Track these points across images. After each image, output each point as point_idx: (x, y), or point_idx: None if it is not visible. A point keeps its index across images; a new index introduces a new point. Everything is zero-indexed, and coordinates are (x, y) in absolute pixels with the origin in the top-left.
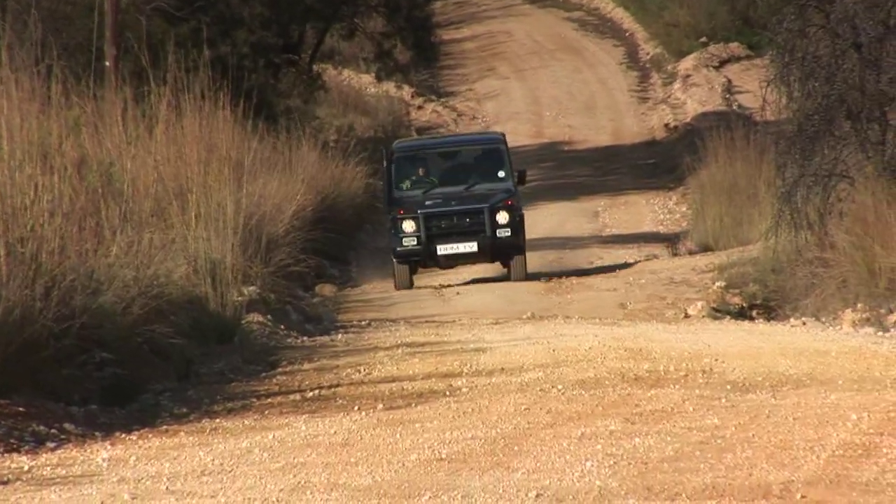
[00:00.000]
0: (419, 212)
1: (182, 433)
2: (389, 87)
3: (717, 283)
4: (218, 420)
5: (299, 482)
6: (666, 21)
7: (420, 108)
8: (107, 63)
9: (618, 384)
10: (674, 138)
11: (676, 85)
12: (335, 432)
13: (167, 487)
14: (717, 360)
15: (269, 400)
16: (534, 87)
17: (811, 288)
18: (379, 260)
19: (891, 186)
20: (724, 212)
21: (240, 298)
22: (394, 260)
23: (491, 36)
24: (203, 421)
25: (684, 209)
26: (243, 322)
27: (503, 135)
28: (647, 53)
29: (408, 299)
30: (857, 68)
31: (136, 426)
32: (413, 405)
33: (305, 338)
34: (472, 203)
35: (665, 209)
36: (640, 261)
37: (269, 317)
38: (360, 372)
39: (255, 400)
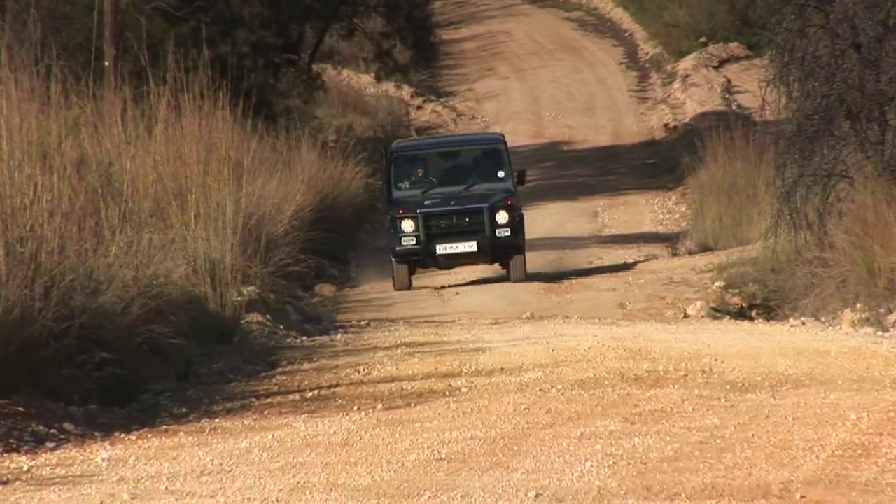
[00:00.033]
0: (418, 211)
1: (181, 433)
2: (389, 86)
3: (717, 283)
4: (217, 420)
5: (299, 482)
6: (665, 21)
7: (419, 108)
8: (106, 63)
9: (617, 384)
10: (673, 138)
11: (676, 85)
12: (334, 432)
13: (167, 487)
14: (716, 360)
15: (269, 400)
16: (533, 87)
17: (810, 288)
18: (378, 260)
19: (890, 186)
20: (724, 212)
21: (239, 298)
22: (392, 260)
23: (490, 36)
24: (202, 421)
25: (684, 209)
26: (243, 322)
27: (503, 135)
28: (647, 53)
29: (407, 299)
30: (857, 68)
31: (135, 426)
32: (412, 405)
33: (305, 338)
34: (471, 203)
35: (664, 209)
36: (641, 261)
37: (268, 317)
38: (359, 372)
39: (254, 400)
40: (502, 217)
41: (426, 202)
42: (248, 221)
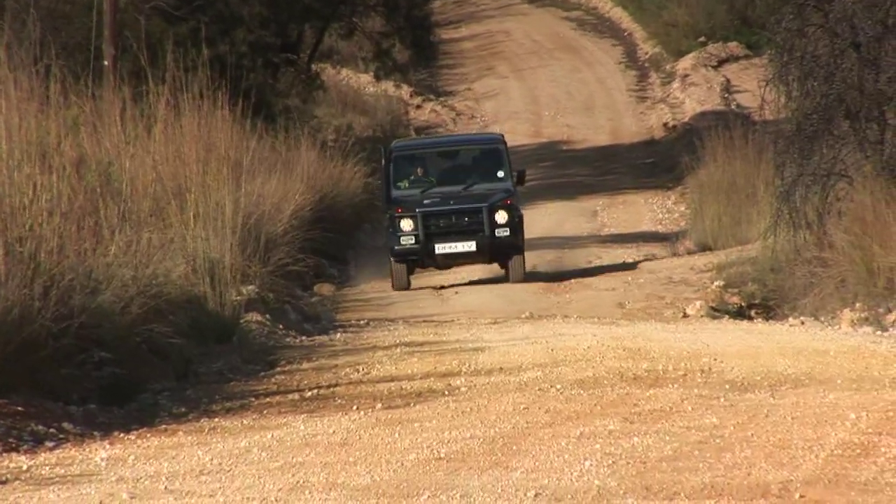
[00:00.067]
0: (417, 210)
1: (181, 433)
2: (388, 86)
3: (716, 283)
4: (216, 419)
5: (298, 481)
6: (664, 20)
7: (419, 107)
8: (105, 62)
9: (616, 384)
10: (672, 138)
11: (675, 84)
12: (334, 432)
13: (166, 487)
14: (715, 359)
15: (268, 399)
16: (532, 87)
17: (810, 287)
18: (377, 259)
19: (889, 186)
20: (723, 211)
21: (238, 298)
22: (391, 259)
23: (489, 35)
24: (202, 420)
25: (683, 208)
26: (242, 321)
27: (502, 135)
28: (646, 53)
29: (406, 299)
30: (856, 68)
31: (134, 426)
32: (412, 405)
33: (304, 337)
34: (470, 202)
35: (664, 208)
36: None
37: (267, 316)
38: (358, 371)
39: (253, 399)
40: (501, 217)
41: (425, 202)
42: (248, 221)
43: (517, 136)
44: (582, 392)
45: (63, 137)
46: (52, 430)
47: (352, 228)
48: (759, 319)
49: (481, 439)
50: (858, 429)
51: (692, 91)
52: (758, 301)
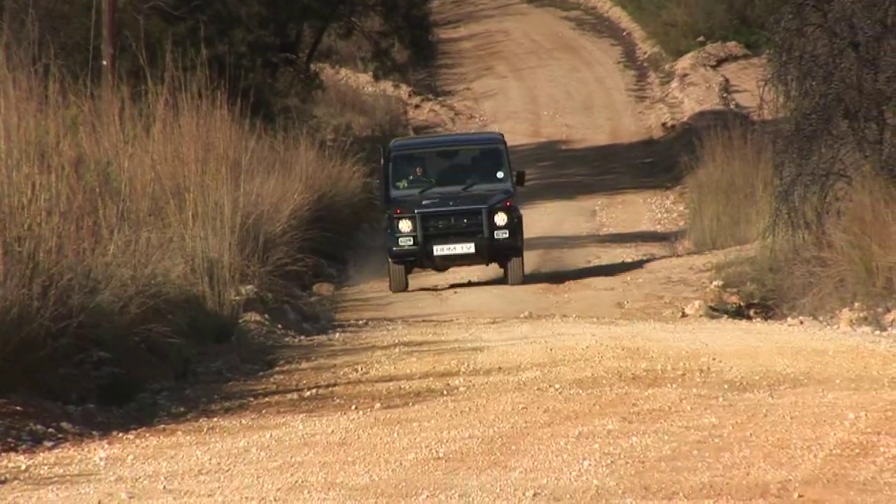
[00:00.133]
0: (416, 211)
1: (179, 432)
2: (387, 86)
3: (715, 283)
4: (215, 419)
5: (297, 481)
6: (663, 20)
7: (417, 107)
8: (104, 62)
9: (615, 383)
10: (671, 137)
11: (674, 84)
12: (332, 431)
13: (164, 486)
14: (714, 359)
15: (267, 399)
16: (531, 87)
17: (808, 287)
18: (376, 259)
19: (888, 185)
20: (722, 211)
21: (237, 297)
22: (389, 260)
23: (488, 35)
24: (200, 420)
25: (682, 208)
26: (241, 321)
27: (502, 135)
28: (645, 52)
29: (405, 298)
30: (855, 67)
31: (133, 425)
32: (410, 404)
33: (303, 337)
34: (470, 203)
35: (662, 208)
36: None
37: (266, 316)
38: (357, 371)
39: (252, 399)
40: (501, 219)
41: (424, 202)
42: (246, 220)
43: (516, 135)
44: (581, 392)
45: (62, 137)
46: (50, 429)
47: (350, 228)
48: (758, 319)
49: (480, 439)
50: (857, 428)
51: (691, 91)
52: (756, 301)
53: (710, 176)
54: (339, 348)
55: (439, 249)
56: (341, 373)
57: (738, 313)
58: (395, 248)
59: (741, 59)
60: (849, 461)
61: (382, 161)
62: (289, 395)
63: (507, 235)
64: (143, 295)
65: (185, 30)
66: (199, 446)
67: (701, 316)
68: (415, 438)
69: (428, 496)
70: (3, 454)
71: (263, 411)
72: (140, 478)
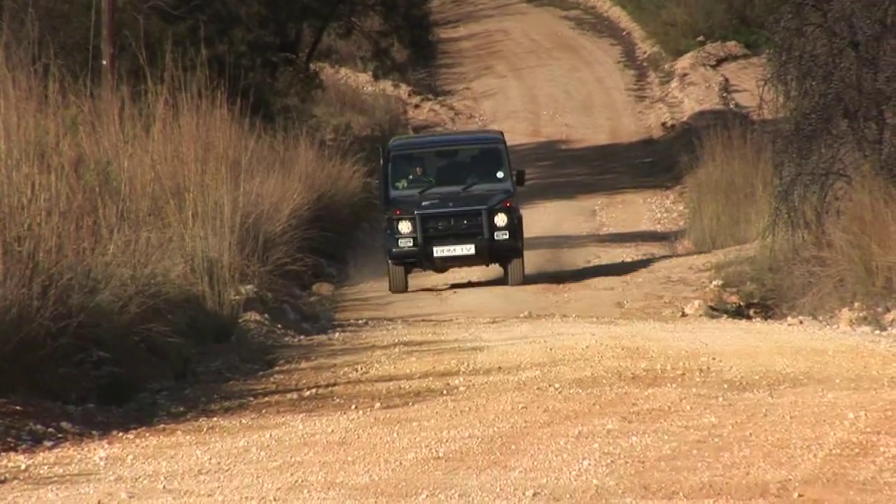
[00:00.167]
0: (416, 212)
1: (179, 432)
2: (387, 85)
3: (715, 282)
4: (215, 419)
5: (296, 481)
6: (663, 20)
7: (417, 106)
8: (104, 62)
9: (615, 383)
10: (671, 137)
11: (674, 84)
12: (332, 431)
13: (164, 486)
14: (714, 358)
15: (267, 399)
16: (531, 86)
17: (808, 287)
18: (376, 259)
19: (888, 185)
20: (722, 210)
21: (237, 297)
22: (389, 261)
23: (488, 35)
24: (200, 420)
25: (681, 208)
26: (240, 321)
27: (502, 134)
28: (645, 52)
29: (405, 298)
30: (854, 67)
31: (133, 425)
32: (410, 404)
33: (302, 336)
34: (470, 204)
35: (662, 208)
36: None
37: (266, 315)
38: (357, 371)
39: (252, 399)
40: (501, 220)
41: (424, 203)
42: (246, 220)
43: (516, 135)
44: (580, 391)
45: (61, 137)
46: (50, 429)
47: (350, 228)
48: (758, 319)
49: (480, 438)
50: (857, 428)
51: (691, 90)
52: (756, 300)
53: (709, 175)
54: (338, 348)
55: (439, 251)
56: (341, 372)
57: (738, 313)
58: (394, 250)
59: (741, 59)
60: (848, 461)
61: (382, 161)
62: (288, 395)
63: (507, 236)
64: (142, 295)
65: (184, 29)
66: (198, 446)
67: (701, 315)
68: (415, 438)
69: (428, 496)
70: (2, 454)
71: (263, 411)
72: (140, 477)
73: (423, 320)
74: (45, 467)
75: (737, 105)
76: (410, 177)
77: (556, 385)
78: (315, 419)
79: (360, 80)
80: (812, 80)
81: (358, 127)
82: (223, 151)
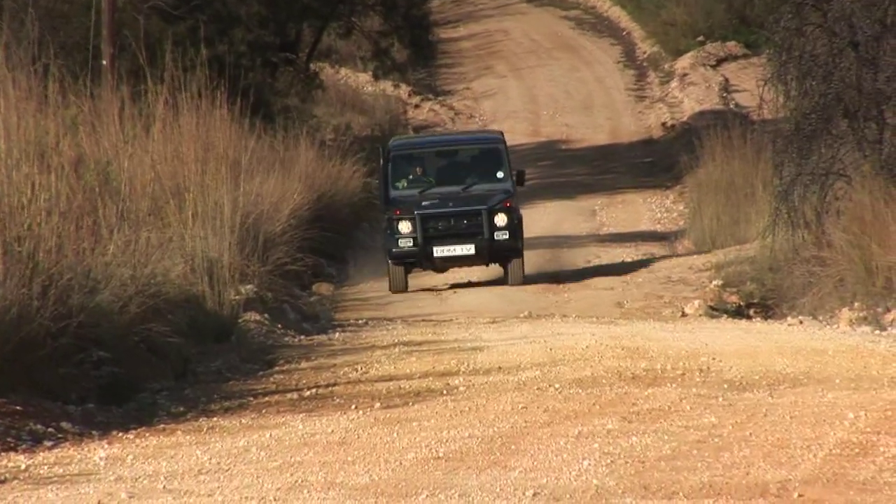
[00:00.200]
0: (416, 213)
1: (179, 432)
2: (387, 85)
3: (715, 282)
4: (215, 419)
5: (296, 481)
6: (663, 20)
7: (417, 106)
8: (104, 62)
9: (615, 383)
10: (671, 137)
11: (673, 83)
12: (332, 431)
13: (164, 486)
14: (714, 358)
15: (267, 399)
16: (531, 86)
17: (808, 286)
18: (376, 259)
19: (888, 185)
20: (722, 210)
21: (237, 297)
22: (389, 261)
23: (488, 35)
24: (200, 420)
25: (681, 208)
26: (240, 321)
27: (502, 133)
28: (644, 52)
29: (405, 298)
30: (854, 67)
31: (133, 425)
32: (410, 404)
33: (303, 336)
34: (470, 204)
35: (662, 208)
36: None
37: (266, 315)
38: (357, 371)
39: (252, 399)
40: (501, 220)
41: (424, 203)
42: (246, 220)
43: (516, 135)
44: (580, 391)
45: (61, 137)
46: (50, 429)
47: (350, 228)
48: (758, 319)
49: (480, 438)
50: (857, 428)
51: (691, 90)
52: (756, 300)
53: (709, 175)
54: (338, 348)
55: (439, 251)
56: (341, 372)
57: (738, 313)
58: (394, 250)
59: (741, 59)
60: (848, 461)
61: (382, 161)
62: (288, 395)
63: (507, 236)
64: (142, 295)
65: (184, 29)
66: (198, 446)
67: (701, 315)
68: (414, 438)
69: (428, 496)
70: (2, 454)
71: (263, 411)
72: (140, 477)
73: (423, 320)
74: (45, 467)
75: (737, 105)
76: (410, 177)
77: (556, 385)
78: (315, 419)
79: (361, 80)
80: (812, 80)
81: (358, 127)
82: (223, 151)
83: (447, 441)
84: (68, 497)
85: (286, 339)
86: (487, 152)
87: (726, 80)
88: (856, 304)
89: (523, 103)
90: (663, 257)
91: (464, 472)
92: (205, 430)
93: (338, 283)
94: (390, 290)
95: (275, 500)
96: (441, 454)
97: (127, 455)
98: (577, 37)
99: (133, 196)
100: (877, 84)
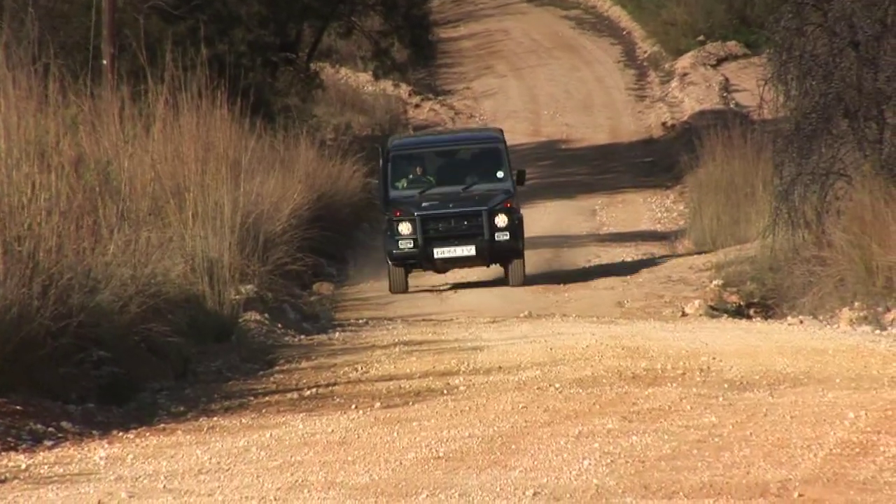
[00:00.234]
0: (416, 214)
1: (179, 432)
2: (387, 85)
3: (715, 282)
4: (215, 418)
5: (297, 480)
6: (663, 19)
7: (417, 106)
8: (104, 61)
9: (615, 382)
10: (671, 137)
11: (674, 83)
12: (332, 431)
13: (164, 486)
14: (714, 358)
15: (267, 398)
16: (531, 86)
17: (808, 286)
18: (376, 258)
19: (888, 185)
20: (722, 210)
21: (237, 297)
22: (389, 263)
23: (488, 34)
24: (200, 419)
25: (682, 208)
26: (241, 320)
27: (501, 131)
28: (645, 52)
29: (405, 298)
30: (855, 67)
31: (133, 425)
32: (410, 404)
33: (303, 336)
34: (470, 205)
35: (662, 208)
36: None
37: (266, 315)
38: (357, 370)
39: (252, 398)
40: (501, 221)
41: (424, 204)
42: (246, 220)
43: (516, 134)
44: (580, 391)
45: (62, 136)
46: (50, 428)
47: (350, 227)
48: (758, 318)
49: (480, 438)
50: (857, 428)
51: (691, 90)
52: (756, 300)
53: (710, 175)
54: (338, 347)
55: (440, 252)
56: (341, 372)
57: (738, 312)
58: (395, 251)
59: (741, 59)
60: (849, 460)
61: (381, 161)
62: (289, 395)
63: (507, 237)
64: (142, 294)
65: (184, 29)
66: (199, 445)
67: (701, 315)
68: (415, 438)
69: (428, 495)
70: (3, 453)
71: (263, 410)
72: (140, 477)
73: (424, 320)
74: (46, 467)
75: (737, 105)
76: (410, 176)
77: (557, 385)
78: (315, 419)
79: (361, 79)
80: (812, 79)
81: (358, 127)
82: (223, 151)
83: (447, 441)
84: (68, 497)
85: (286, 338)
86: (487, 152)
87: (726, 79)
88: (856, 304)
89: (523, 103)
90: (663, 257)
91: (464, 472)
92: (205, 429)
93: (338, 282)
94: (390, 290)
95: (275, 499)
96: (441, 454)
97: (127, 455)
98: (578, 36)
99: (133, 196)
100: (877, 84)
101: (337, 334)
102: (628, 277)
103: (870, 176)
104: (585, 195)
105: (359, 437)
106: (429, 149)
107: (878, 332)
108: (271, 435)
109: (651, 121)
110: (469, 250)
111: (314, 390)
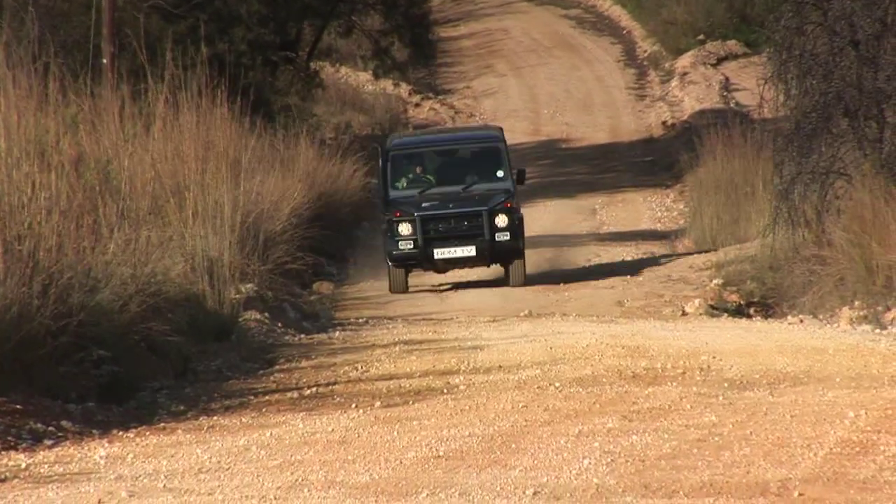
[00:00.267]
0: (416, 214)
1: (179, 431)
2: (387, 84)
3: (715, 281)
4: (215, 418)
5: (297, 480)
6: (663, 18)
7: (417, 105)
8: (104, 60)
9: (615, 382)
10: (671, 136)
11: (674, 82)
12: (333, 430)
13: (164, 485)
14: (714, 357)
15: (267, 398)
16: (531, 85)
17: (808, 285)
18: (376, 257)
19: (888, 184)
20: (722, 209)
21: (237, 296)
22: (389, 263)
23: (488, 33)
24: (200, 418)
25: (682, 207)
26: (241, 320)
27: (501, 130)
28: (645, 51)
29: (405, 297)
30: (855, 66)
31: (133, 424)
32: (410, 403)
33: (303, 335)
34: (470, 205)
35: (662, 207)
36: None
37: (266, 314)
38: (357, 370)
39: (252, 397)
40: (502, 221)
41: (424, 204)
42: (246, 219)
43: (516, 134)
44: (581, 390)
45: (62, 135)
46: (50, 428)
47: (350, 226)
48: (758, 317)
49: (480, 437)
50: (857, 427)
51: (691, 89)
52: (757, 299)
53: (710, 174)
54: (339, 347)
55: (440, 252)
56: (341, 371)
57: (739, 312)
58: (395, 252)
59: (741, 58)
60: (849, 459)
61: (381, 160)
62: (289, 394)
63: (508, 237)
64: (143, 293)
65: (185, 28)
66: (199, 445)
67: (701, 314)
68: (415, 437)
69: (428, 494)
70: (3, 452)
71: (263, 410)
72: (140, 476)
73: (424, 319)
74: (46, 466)
75: (737, 104)
76: (410, 176)
77: (557, 384)
78: (315, 418)
79: (361, 78)
80: (812, 78)
81: (358, 126)
82: (223, 150)
83: (447, 440)
84: (68, 496)
85: (286, 337)
86: (487, 151)
87: (727, 78)
88: (856, 303)
89: (523, 102)
90: (664, 256)
91: (464, 471)
92: (205, 428)
93: (338, 281)
94: (390, 291)
95: (275, 498)
96: (441, 453)
97: (127, 454)
98: (578, 35)
99: (133, 195)
100: (877, 83)
101: (337, 333)
102: (628, 277)
103: (870, 175)
104: (585, 194)
105: (359, 437)
106: (428, 148)
107: (878, 331)
108: (271, 434)
109: (651, 120)
110: (469, 251)
111: (314, 389)
